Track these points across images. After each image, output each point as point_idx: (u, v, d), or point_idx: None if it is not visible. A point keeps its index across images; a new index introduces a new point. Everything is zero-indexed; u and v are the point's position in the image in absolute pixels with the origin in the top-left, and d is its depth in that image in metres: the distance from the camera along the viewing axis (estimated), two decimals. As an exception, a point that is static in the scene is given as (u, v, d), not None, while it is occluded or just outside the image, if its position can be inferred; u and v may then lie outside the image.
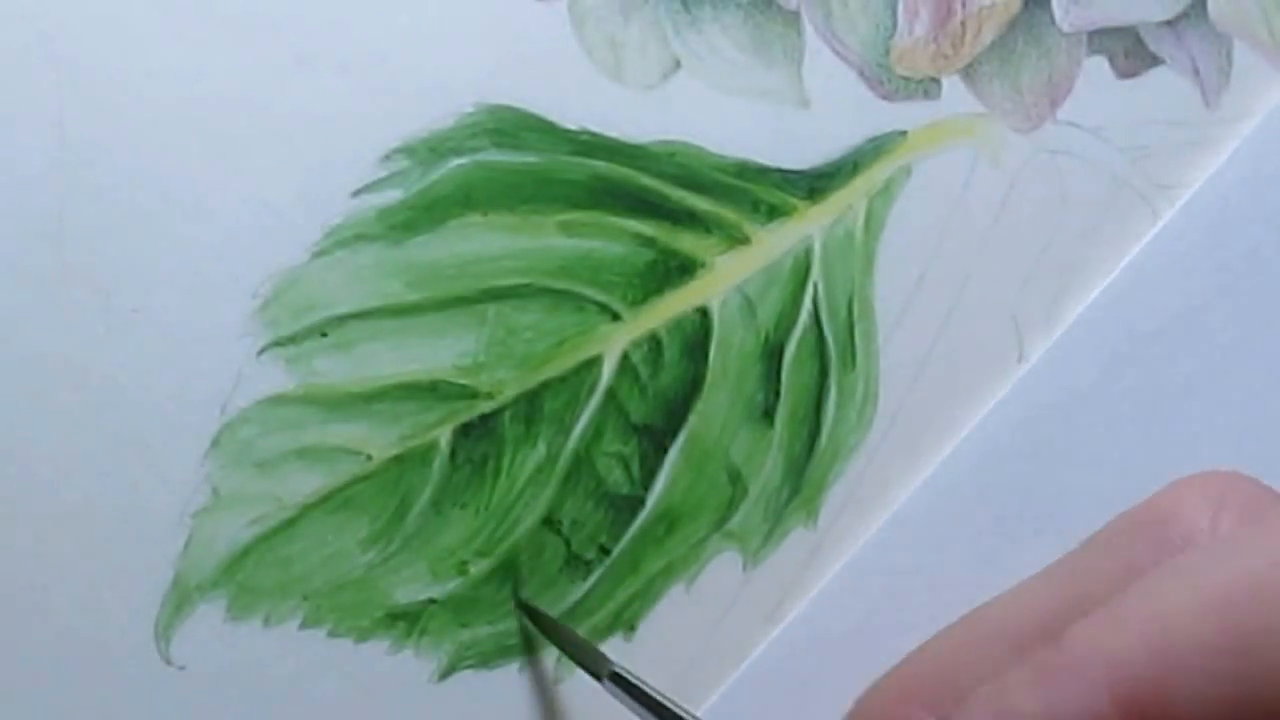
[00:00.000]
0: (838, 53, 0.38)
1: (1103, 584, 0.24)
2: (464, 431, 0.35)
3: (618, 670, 0.33)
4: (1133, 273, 0.40)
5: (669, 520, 0.36)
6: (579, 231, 0.36)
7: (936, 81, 0.39)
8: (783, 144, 0.37)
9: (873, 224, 0.38)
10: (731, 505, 0.37)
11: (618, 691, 0.32)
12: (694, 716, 0.31)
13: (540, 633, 0.35)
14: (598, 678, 0.33)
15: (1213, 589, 0.22)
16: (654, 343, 0.36)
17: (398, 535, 0.35)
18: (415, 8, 0.35)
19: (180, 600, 0.33)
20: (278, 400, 0.34)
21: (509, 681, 0.35)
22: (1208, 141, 0.41)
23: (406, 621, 0.35)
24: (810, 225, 0.38)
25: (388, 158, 0.35)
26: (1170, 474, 0.27)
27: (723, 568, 0.37)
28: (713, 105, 0.37)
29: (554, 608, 0.36)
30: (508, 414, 0.35)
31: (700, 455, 0.37)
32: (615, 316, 0.36)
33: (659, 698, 0.31)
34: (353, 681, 0.34)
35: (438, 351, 0.35)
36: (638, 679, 0.32)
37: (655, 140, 0.36)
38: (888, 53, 0.38)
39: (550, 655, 0.35)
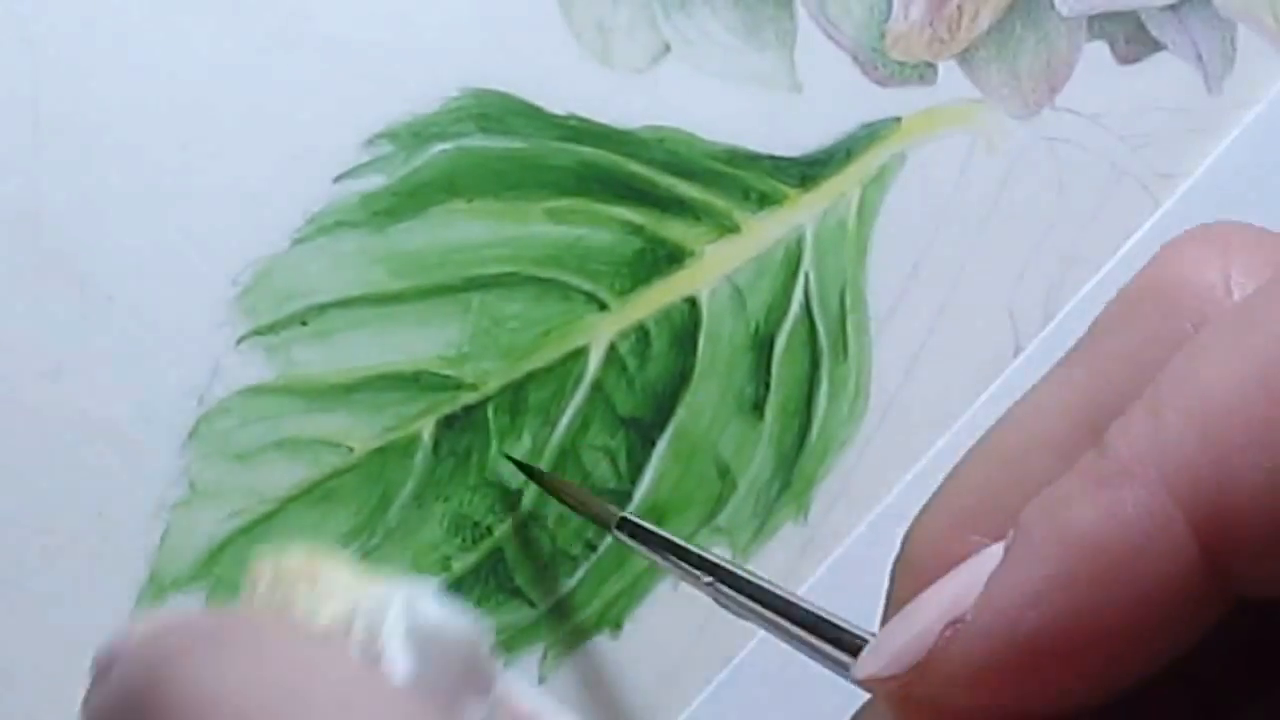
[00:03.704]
0: (831, 37, 0.38)
1: (1129, 370, 0.23)
2: (447, 423, 0.35)
3: (627, 517, 0.32)
4: (1131, 263, 0.40)
5: (656, 515, 0.36)
6: (565, 219, 0.36)
7: (932, 66, 0.39)
8: (774, 130, 0.37)
9: (866, 213, 0.38)
10: (720, 500, 0.37)
11: (628, 539, 0.32)
12: (711, 555, 0.30)
13: (538, 486, 0.35)
14: (606, 528, 0.33)
15: (1252, 358, 0.21)
16: (642, 333, 0.36)
17: (379, 529, 0.34)
18: (398, -11, 0.34)
19: (156, 596, 0.33)
20: (257, 391, 0.33)
21: (492, 679, 0.35)
22: (1210, 129, 0.41)
23: (388, 617, 0.34)
24: (802, 214, 0.37)
25: (371, 143, 0.34)
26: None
27: (711, 563, 0.37)
28: (703, 90, 0.37)
29: (539, 603, 0.35)
30: (492, 405, 0.35)
31: (689, 449, 0.36)
32: (602, 306, 0.36)
33: (671, 539, 0.31)
34: None
35: (421, 341, 0.35)
36: (647, 524, 0.32)
37: (644, 126, 0.36)
38: (882, 37, 0.38)
39: (534, 653, 0.35)
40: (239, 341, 0.33)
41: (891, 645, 0.23)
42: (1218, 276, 0.24)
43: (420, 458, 0.35)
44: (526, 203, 0.35)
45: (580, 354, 0.36)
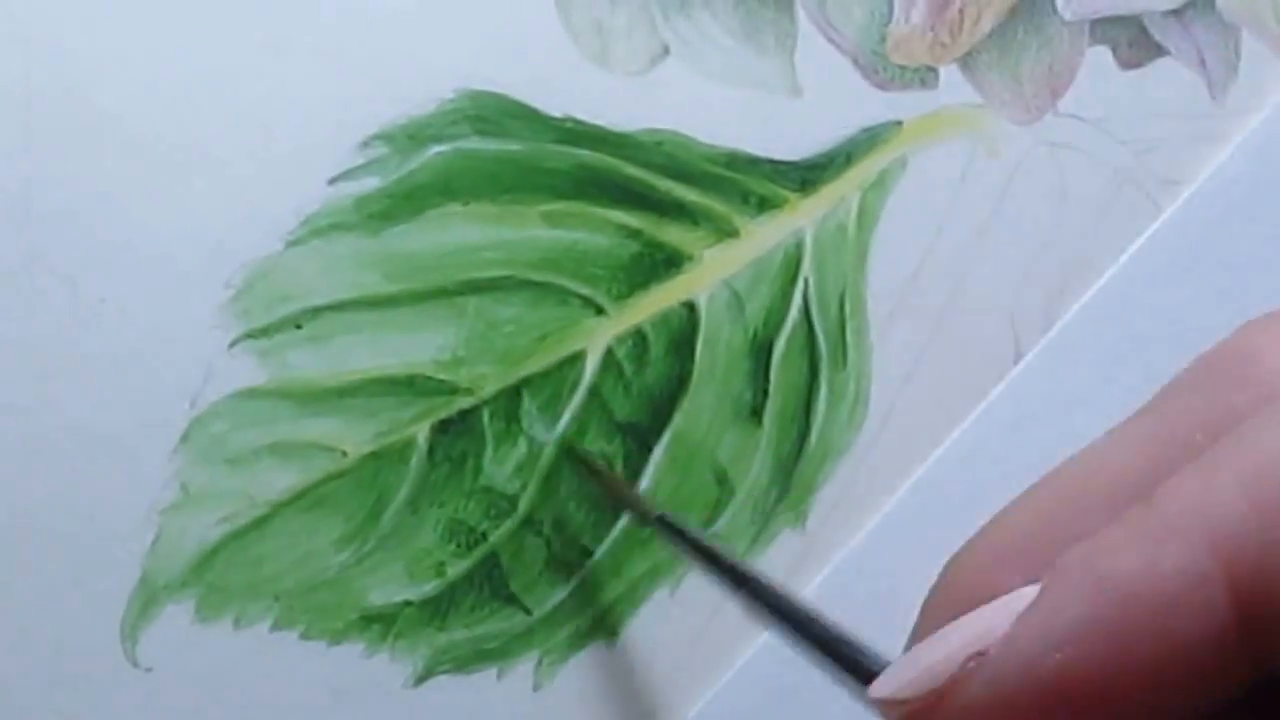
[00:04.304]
0: (831, 40, 0.37)
1: (1190, 432, 0.23)
2: (442, 428, 0.34)
3: (664, 515, 0.33)
4: (1133, 269, 0.40)
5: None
6: (562, 222, 0.35)
7: (933, 71, 0.38)
8: (774, 134, 0.37)
9: (866, 217, 0.38)
10: (718, 506, 0.36)
11: (665, 535, 0.33)
12: (740, 565, 0.31)
13: (587, 476, 0.35)
14: (644, 522, 0.33)
15: None
16: (639, 338, 0.36)
17: (373, 535, 0.34)
18: (395, -11, 0.34)
19: (147, 600, 0.33)
20: (250, 394, 0.33)
21: (486, 688, 0.35)
22: (1213, 135, 0.41)
23: (382, 624, 0.34)
24: (801, 218, 0.37)
25: (366, 145, 0.34)
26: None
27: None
28: (702, 93, 0.36)
29: (534, 611, 0.35)
30: (488, 410, 0.35)
31: (686, 455, 0.36)
32: (599, 310, 0.36)
33: (706, 543, 0.32)
34: (325, 686, 0.34)
35: (416, 345, 0.34)
36: (685, 523, 0.33)
37: (642, 129, 0.36)
38: (883, 40, 0.38)
39: (529, 660, 0.35)
40: (232, 344, 0.33)
41: (913, 669, 0.23)
42: None
43: (415, 463, 0.34)
44: (523, 206, 0.35)
45: (577, 359, 0.35)
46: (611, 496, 0.35)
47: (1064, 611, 0.22)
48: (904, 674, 0.23)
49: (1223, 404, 0.24)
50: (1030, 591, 0.22)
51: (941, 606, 0.25)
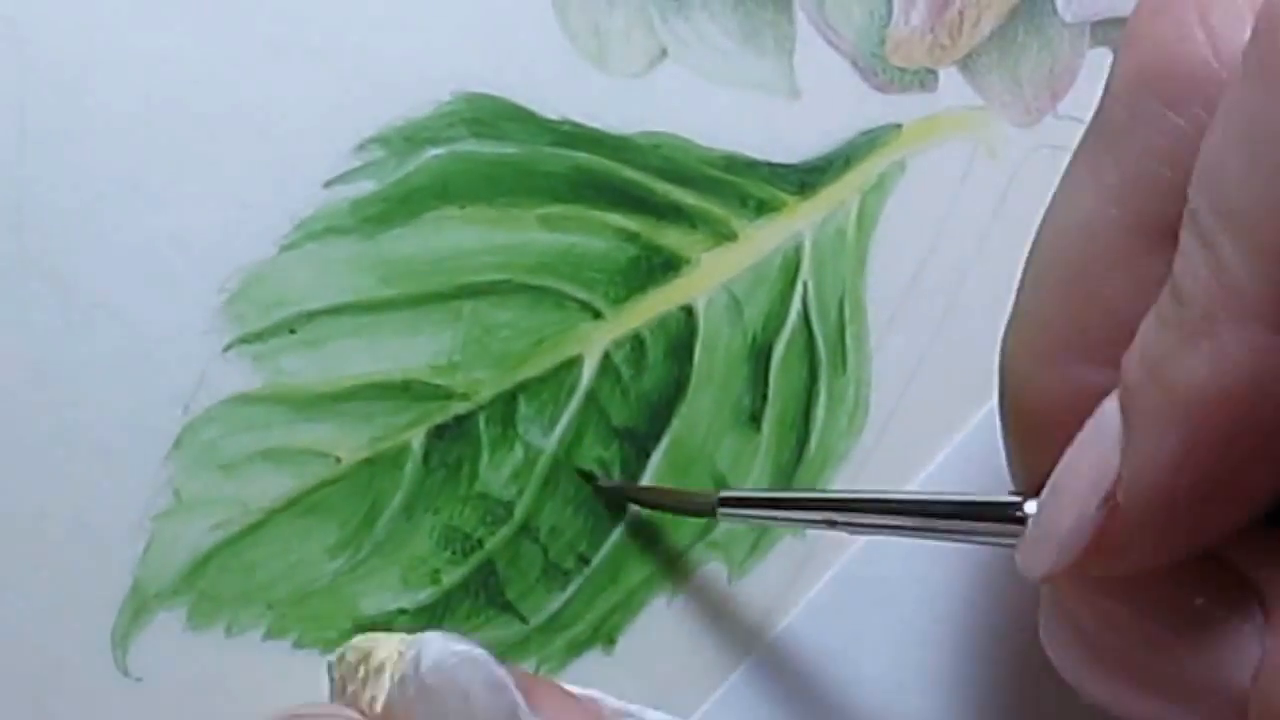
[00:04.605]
0: (831, 42, 0.37)
1: (1158, 170, 0.23)
2: (438, 434, 0.34)
3: (723, 496, 0.33)
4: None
5: (651, 529, 0.36)
6: (559, 226, 0.35)
7: (933, 73, 0.38)
8: (772, 136, 0.37)
9: (865, 221, 0.37)
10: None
11: (733, 515, 0.33)
12: (819, 494, 0.31)
13: (632, 503, 0.35)
14: (711, 515, 0.33)
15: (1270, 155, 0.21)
16: (637, 343, 0.36)
17: (367, 542, 0.34)
18: (390, -9, 0.34)
19: (139, 608, 0.32)
20: (243, 399, 0.33)
21: (482, 695, 0.35)
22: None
23: (376, 632, 0.34)
24: (800, 221, 0.37)
25: (361, 147, 0.34)
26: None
27: (707, 579, 0.36)
28: (700, 95, 0.36)
29: (530, 619, 0.35)
30: (483, 416, 0.35)
31: (684, 460, 0.36)
32: (596, 315, 0.35)
33: (773, 495, 0.33)
34: (319, 695, 0.33)
35: (411, 350, 0.34)
36: (746, 492, 0.34)
37: (640, 131, 0.36)
38: (883, 43, 0.38)
39: (526, 668, 0.35)
40: (225, 349, 0.33)
41: (1053, 535, 0.24)
42: (1205, 49, 0.23)
43: (410, 469, 0.34)
44: (520, 209, 0.35)
45: (574, 363, 0.35)
46: (670, 510, 0.35)
47: (1162, 440, 0.22)
48: (1049, 542, 0.24)
49: (1172, 129, 0.23)
50: (1111, 410, 0.23)
51: (1025, 419, 0.26)
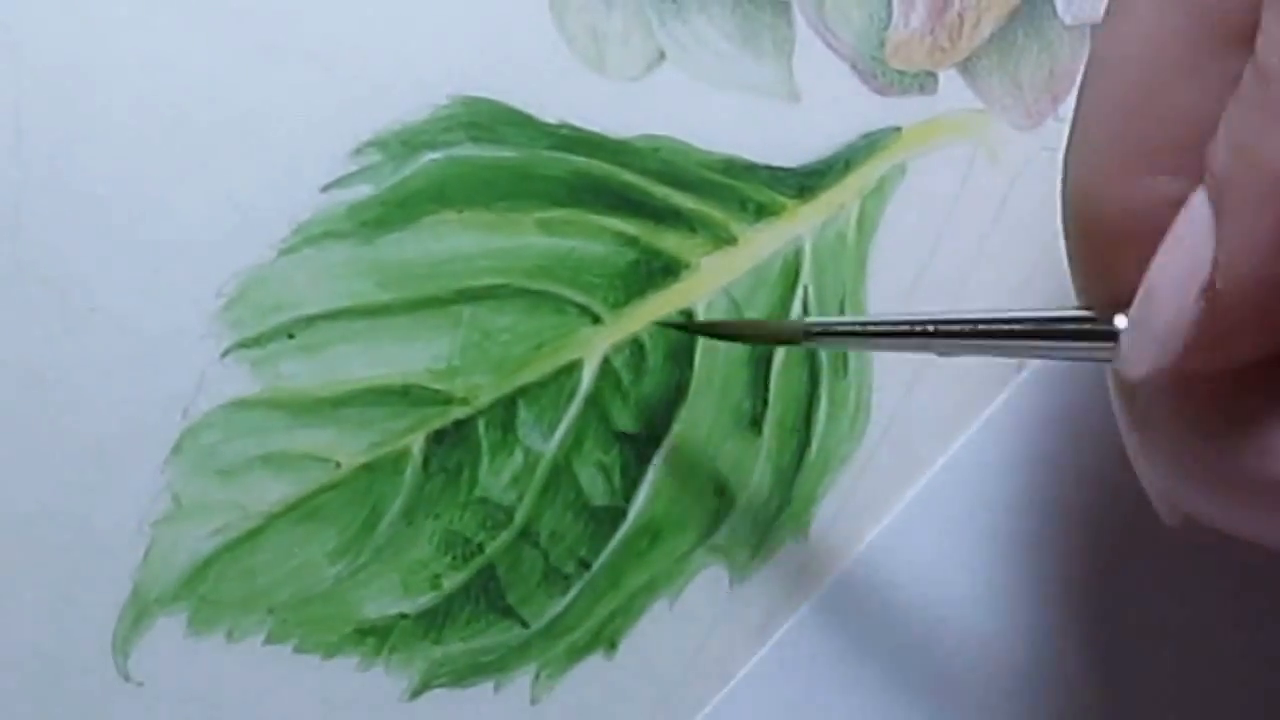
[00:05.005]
0: (830, 45, 0.37)
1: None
2: (437, 439, 0.34)
3: (809, 327, 0.32)
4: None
5: (652, 533, 0.36)
6: (558, 230, 0.35)
7: (933, 76, 0.38)
8: (772, 140, 0.37)
9: (865, 224, 0.37)
10: (717, 517, 0.36)
11: (822, 341, 0.33)
12: (905, 319, 0.30)
13: (719, 338, 0.35)
14: (796, 343, 0.33)
15: None
16: (636, 347, 0.36)
17: (367, 546, 0.34)
18: (388, -5, 0.34)
19: (139, 613, 0.32)
20: (242, 404, 0.33)
21: (483, 701, 0.35)
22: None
23: (376, 637, 0.34)
24: (800, 225, 0.37)
25: (359, 152, 0.34)
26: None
27: (708, 583, 0.36)
28: (699, 99, 0.36)
29: (531, 623, 0.35)
30: (483, 420, 0.35)
31: (685, 465, 0.36)
32: (596, 319, 0.35)
33: (858, 322, 0.32)
34: (320, 699, 0.33)
35: (410, 355, 0.34)
36: (833, 320, 0.34)
37: (638, 135, 0.36)
38: (882, 45, 0.38)
39: (526, 673, 0.35)
40: (224, 354, 0.33)
41: (1154, 333, 0.23)
42: None
43: (409, 474, 0.34)
44: (518, 213, 0.35)
45: (574, 368, 0.35)
46: (756, 340, 0.35)
47: (1260, 219, 0.22)
48: (1149, 341, 0.23)
49: None
50: (1199, 204, 0.22)
51: (1097, 229, 0.26)
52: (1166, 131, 0.24)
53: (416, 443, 0.34)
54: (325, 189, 0.34)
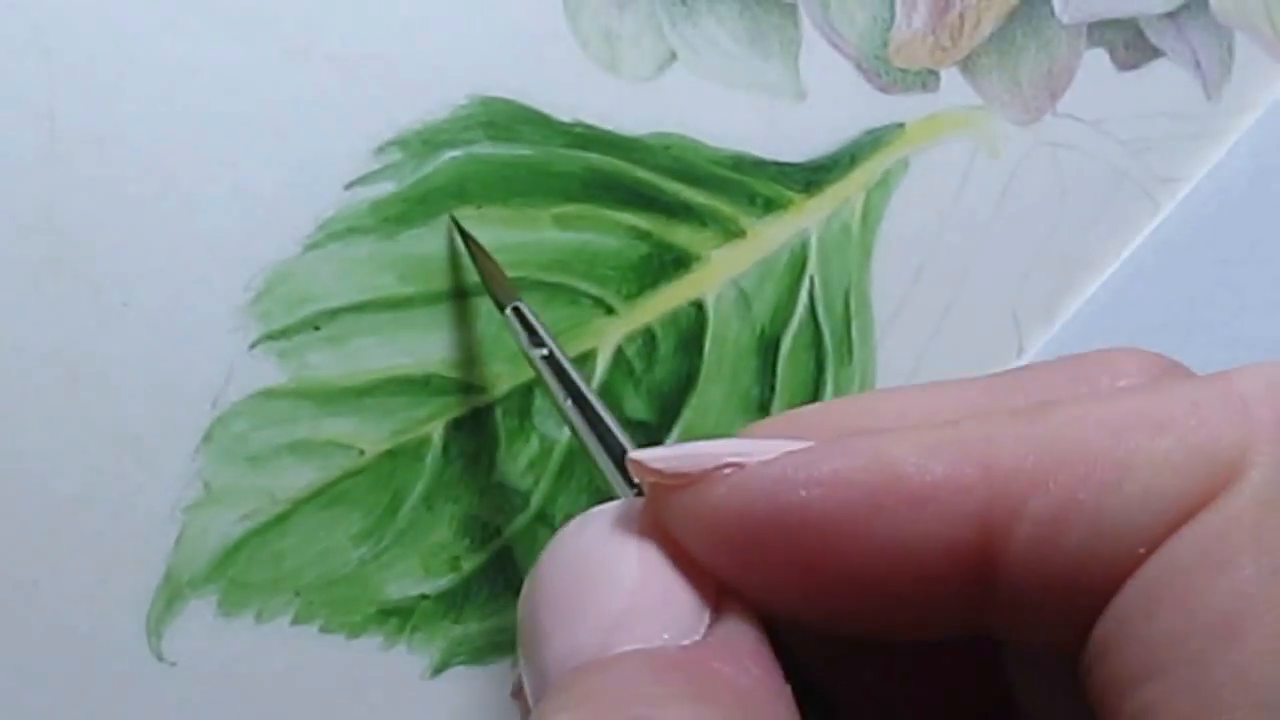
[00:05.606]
0: (835, 45, 0.38)
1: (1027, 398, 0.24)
2: (457, 426, 0.35)
3: (520, 306, 0.32)
4: (1133, 266, 0.40)
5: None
6: (573, 225, 0.36)
7: (935, 74, 0.39)
8: (779, 137, 0.37)
9: (870, 217, 0.38)
10: (727, 501, 0.36)
11: (515, 326, 0.32)
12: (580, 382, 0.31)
13: (464, 250, 0.35)
14: (500, 308, 0.33)
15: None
16: (648, 337, 0.36)
17: (390, 530, 0.34)
18: (408, -1, 0.35)
19: (172, 596, 0.33)
20: (270, 394, 0.33)
21: (502, 678, 0.35)
22: (1208, 134, 0.41)
23: (399, 617, 0.34)
24: (807, 218, 0.37)
25: (381, 150, 0.34)
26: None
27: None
28: (708, 98, 0.37)
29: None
30: (501, 409, 0.35)
31: (695, 450, 0.36)
32: (609, 310, 0.36)
33: (555, 349, 0.32)
34: (345, 678, 0.34)
35: (431, 345, 0.34)
36: (538, 319, 0.32)
37: (650, 133, 0.36)
38: (885, 45, 0.38)
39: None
40: (252, 346, 0.33)
41: (678, 455, 0.24)
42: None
43: (430, 460, 0.34)
44: (534, 209, 0.35)
45: (588, 357, 0.36)
46: (478, 270, 0.35)
47: (825, 463, 0.23)
48: (669, 456, 0.24)
49: (1063, 384, 0.24)
50: (807, 443, 0.23)
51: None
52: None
53: (437, 430, 0.35)
54: (349, 186, 0.34)
